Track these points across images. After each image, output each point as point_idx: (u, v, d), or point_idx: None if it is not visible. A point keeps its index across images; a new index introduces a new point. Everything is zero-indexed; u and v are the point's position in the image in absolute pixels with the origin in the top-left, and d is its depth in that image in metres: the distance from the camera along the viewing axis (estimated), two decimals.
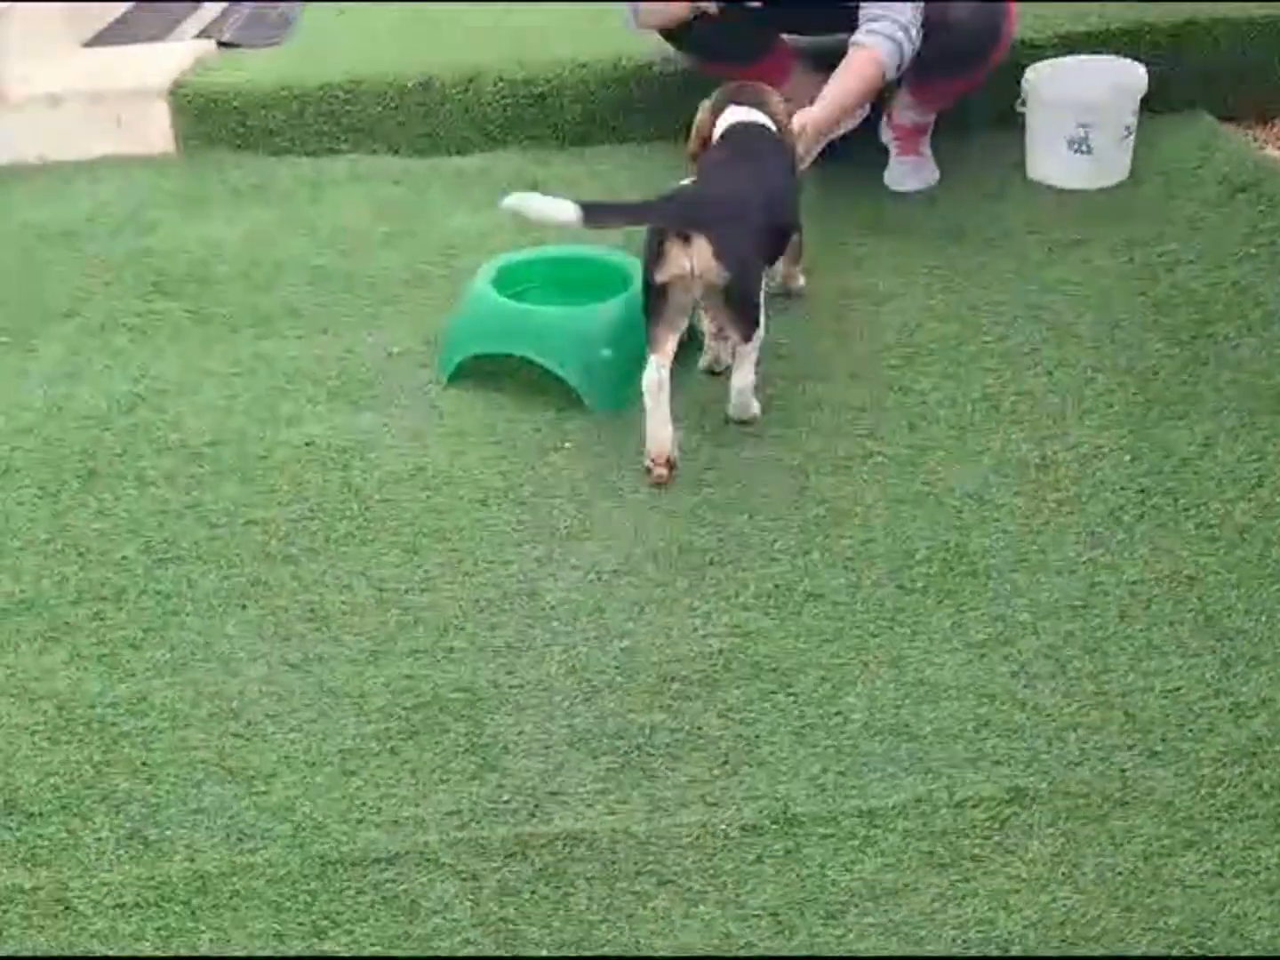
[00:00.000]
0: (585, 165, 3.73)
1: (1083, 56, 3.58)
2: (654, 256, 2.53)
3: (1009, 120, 3.54)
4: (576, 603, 2.25)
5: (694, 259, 2.49)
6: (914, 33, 3.15)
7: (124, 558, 2.42)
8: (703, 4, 3.32)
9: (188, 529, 2.48)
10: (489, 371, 2.84)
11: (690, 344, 2.79)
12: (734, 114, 2.88)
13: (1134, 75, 3.45)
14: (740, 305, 2.56)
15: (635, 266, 2.89)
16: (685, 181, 2.77)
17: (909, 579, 2.25)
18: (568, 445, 2.65)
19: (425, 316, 3.08)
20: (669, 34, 3.53)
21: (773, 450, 2.58)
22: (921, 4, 3.15)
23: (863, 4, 3.17)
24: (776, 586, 2.25)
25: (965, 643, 2.12)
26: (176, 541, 2.45)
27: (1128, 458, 2.49)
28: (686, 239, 2.50)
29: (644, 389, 2.53)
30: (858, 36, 3.16)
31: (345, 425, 2.74)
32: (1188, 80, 3.71)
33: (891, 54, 3.14)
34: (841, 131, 3.57)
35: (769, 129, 2.87)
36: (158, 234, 3.48)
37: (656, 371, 2.53)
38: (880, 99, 3.55)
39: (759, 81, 3.04)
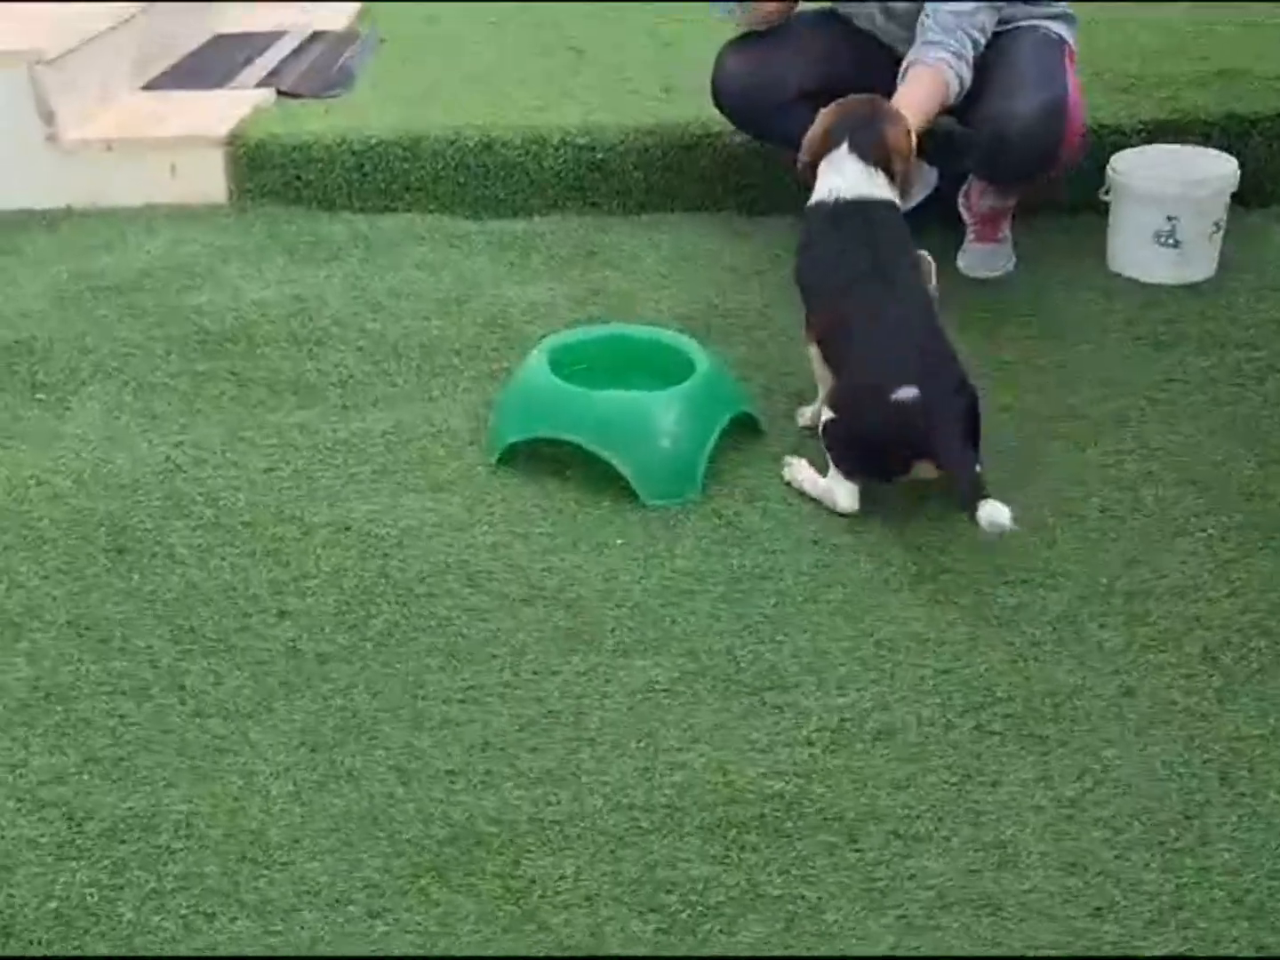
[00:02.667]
0: (647, 234, 3.55)
1: (1172, 146, 3.38)
2: (892, 469, 2.45)
3: (1090, 206, 3.35)
4: (625, 726, 2.05)
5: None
6: (967, 69, 2.97)
7: (148, 647, 2.24)
8: None
9: (217, 617, 2.30)
10: (541, 455, 2.65)
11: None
12: (849, 171, 2.63)
13: (1226, 168, 3.25)
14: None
15: (699, 350, 2.71)
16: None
17: (988, 718, 2.04)
18: (620, 542, 2.45)
19: (476, 391, 2.90)
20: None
21: (836, 560, 2.38)
22: (978, 36, 2.98)
23: (927, 25, 2.99)
24: (843, 720, 2.05)
25: (1051, 798, 1.90)
26: (204, 631, 2.27)
27: (1224, 590, 2.27)
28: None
29: (842, 508, 2.47)
30: (928, 54, 2.97)
31: (387, 507, 2.55)
32: (1276, 175, 3.51)
33: (951, 78, 2.96)
34: (911, 203, 3.38)
35: (893, 207, 2.64)
36: (205, 290, 3.32)
37: (857, 501, 2.47)
38: (954, 170, 3.38)
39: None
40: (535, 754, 2.01)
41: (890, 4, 3.19)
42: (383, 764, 2.01)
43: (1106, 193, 3.31)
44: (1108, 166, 3.30)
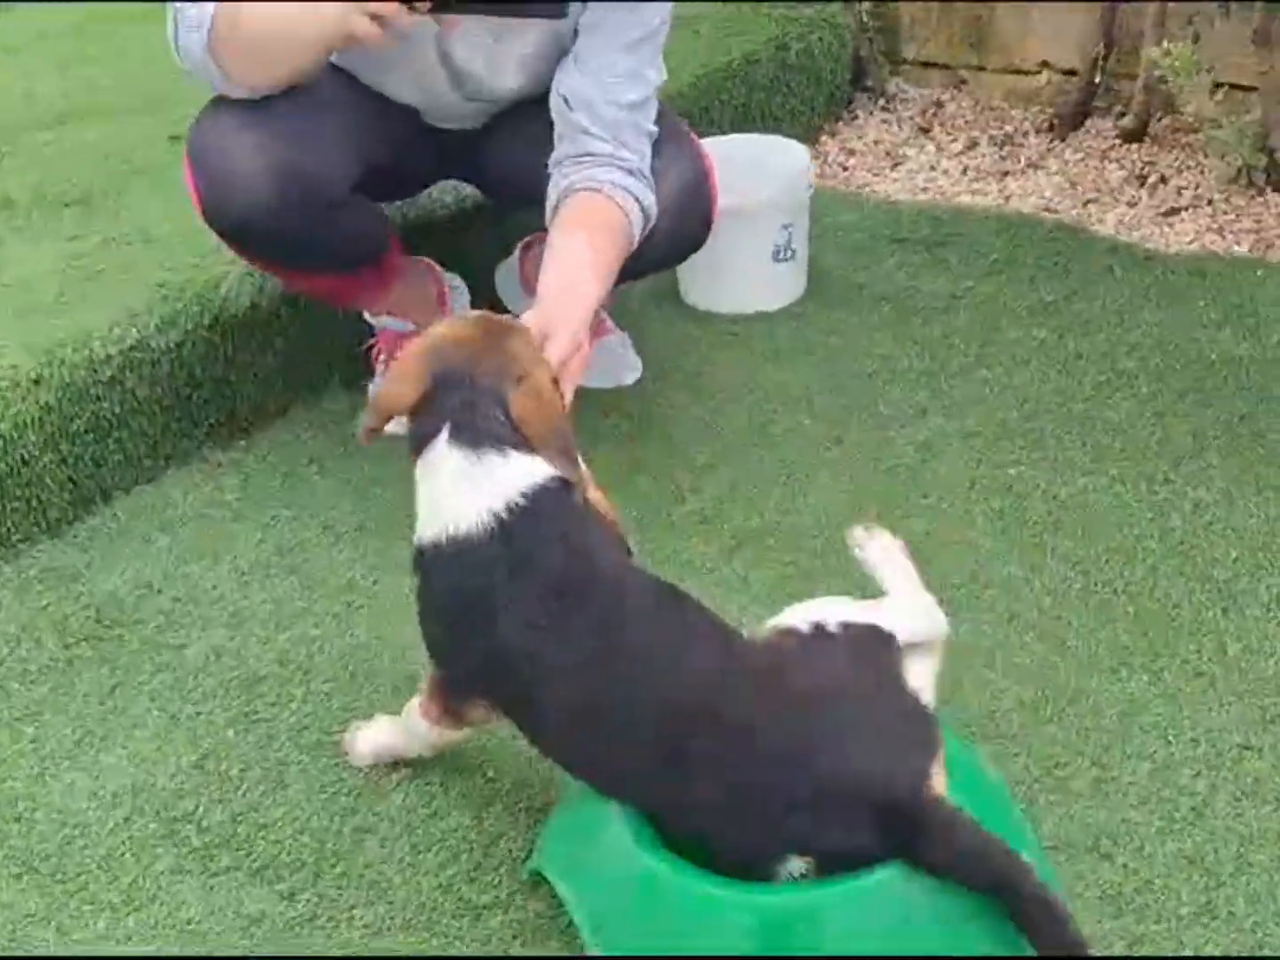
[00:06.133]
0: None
1: (729, 138, 2.61)
2: None
3: None
4: None
5: None
6: (651, 191, 1.94)
7: None
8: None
9: None
10: None
11: None
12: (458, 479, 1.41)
13: (804, 154, 2.59)
14: None
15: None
16: None
17: None
18: None
19: None
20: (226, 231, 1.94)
21: None
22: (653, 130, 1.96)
23: (583, 127, 1.89)
24: None
25: None
26: None
27: None
28: None
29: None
30: (600, 175, 1.87)
31: None
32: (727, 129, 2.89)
33: (634, 212, 1.91)
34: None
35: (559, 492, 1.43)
36: None
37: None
38: None
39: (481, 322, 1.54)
40: None
41: (470, 76, 2.00)
42: None
43: None
44: None
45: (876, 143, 3.23)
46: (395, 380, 1.48)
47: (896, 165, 3.15)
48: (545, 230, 2.33)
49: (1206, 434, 2.14)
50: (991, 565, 1.89)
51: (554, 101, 1.92)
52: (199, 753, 1.66)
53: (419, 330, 2.29)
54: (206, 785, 1.62)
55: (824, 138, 3.25)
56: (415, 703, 1.55)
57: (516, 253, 2.39)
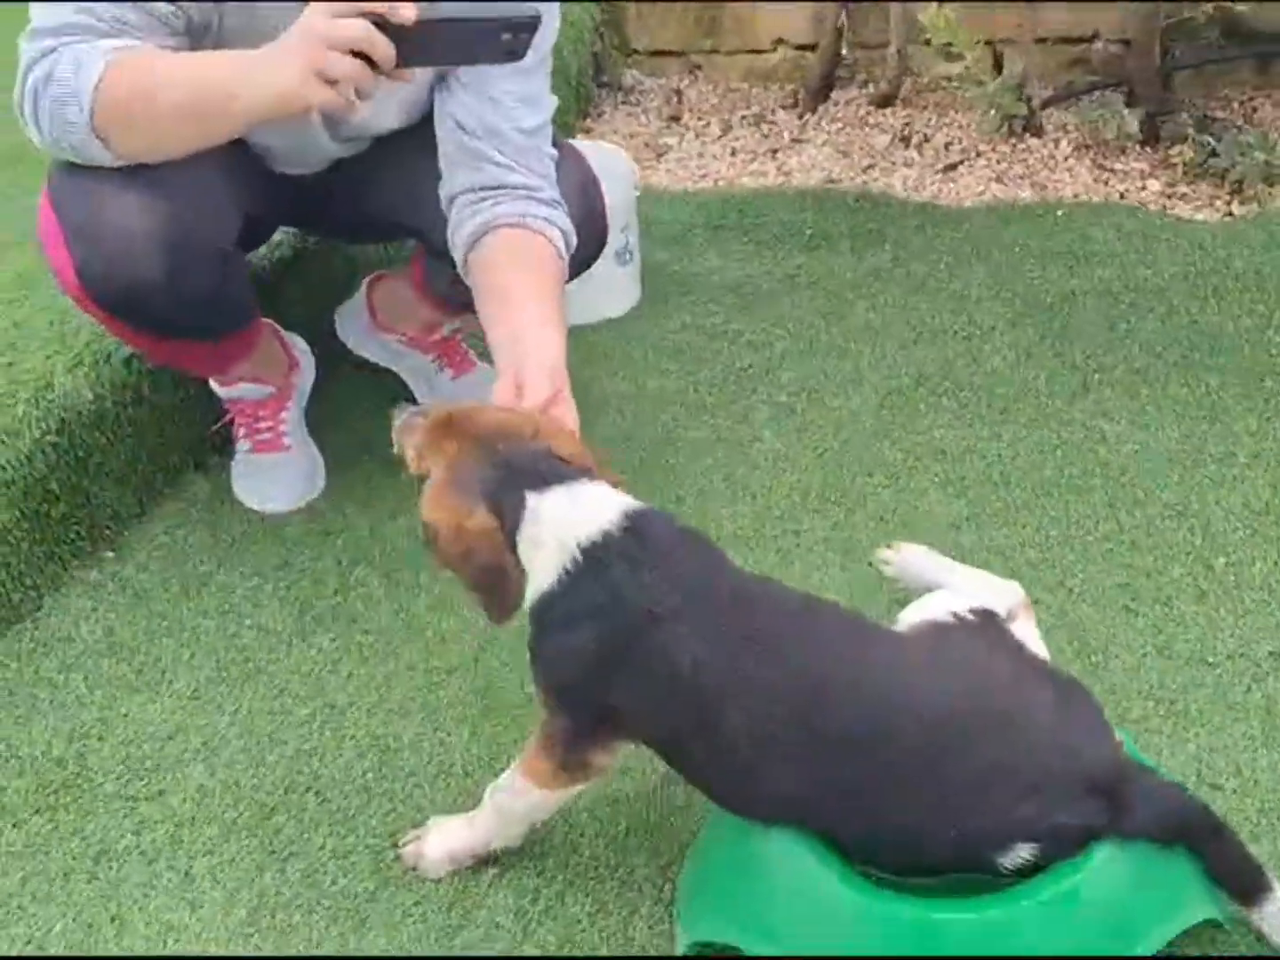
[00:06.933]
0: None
1: None
2: None
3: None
4: None
5: None
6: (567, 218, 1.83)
7: None
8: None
9: None
10: None
11: None
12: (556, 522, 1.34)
13: (620, 155, 2.53)
14: None
15: None
16: None
17: None
18: None
19: None
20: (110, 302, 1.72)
21: None
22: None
23: (488, 155, 1.75)
24: None
25: None
26: None
27: None
28: None
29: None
30: (521, 209, 1.74)
31: None
32: None
33: (561, 245, 1.79)
34: None
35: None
36: None
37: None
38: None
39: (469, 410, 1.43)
40: None
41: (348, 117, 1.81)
42: None
43: None
44: None
45: (631, 136, 3.22)
46: (452, 530, 1.33)
47: (661, 156, 3.14)
48: (390, 270, 2.24)
49: (1083, 369, 2.26)
50: (963, 530, 1.92)
51: (446, 127, 1.77)
52: (244, 908, 1.45)
53: (278, 394, 2.13)
54: (275, 942, 1.42)
55: (578, 136, 3.20)
56: (506, 780, 1.42)
57: (362, 291, 2.23)
